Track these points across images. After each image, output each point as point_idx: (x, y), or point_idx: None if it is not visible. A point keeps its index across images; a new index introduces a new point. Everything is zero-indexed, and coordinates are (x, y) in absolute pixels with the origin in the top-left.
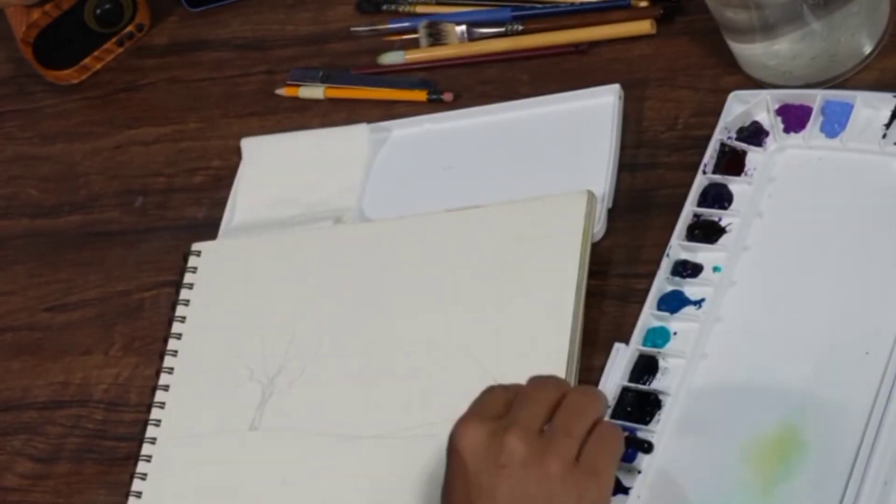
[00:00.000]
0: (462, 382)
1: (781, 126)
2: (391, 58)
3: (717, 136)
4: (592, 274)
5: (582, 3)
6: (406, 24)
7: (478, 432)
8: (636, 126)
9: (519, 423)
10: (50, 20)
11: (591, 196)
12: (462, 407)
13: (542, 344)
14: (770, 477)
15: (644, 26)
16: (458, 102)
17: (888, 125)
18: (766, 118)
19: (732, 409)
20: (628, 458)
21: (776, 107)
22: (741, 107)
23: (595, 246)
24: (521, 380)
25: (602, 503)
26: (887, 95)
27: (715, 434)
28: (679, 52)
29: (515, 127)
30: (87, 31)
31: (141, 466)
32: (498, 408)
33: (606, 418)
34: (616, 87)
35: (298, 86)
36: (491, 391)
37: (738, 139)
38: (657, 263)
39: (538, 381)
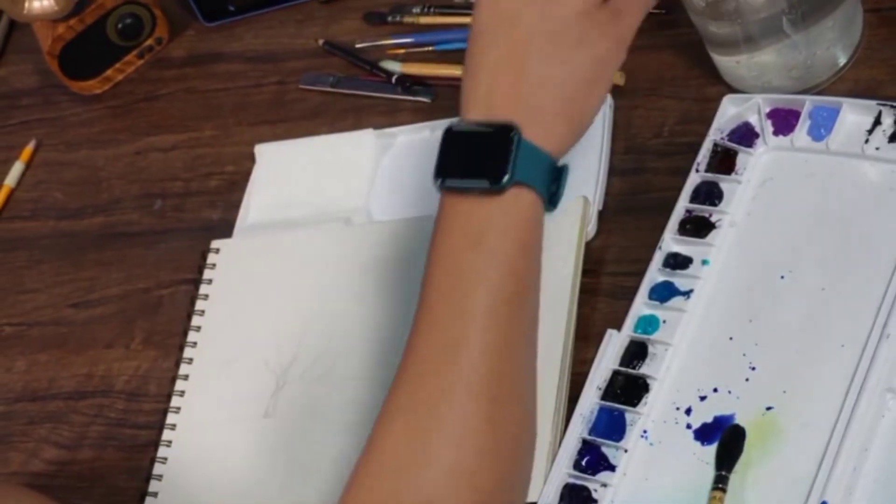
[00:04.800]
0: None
1: (771, 129)
2: (389, 65)
3: (711, 137)
4: (584, 272)
5: None
6: (408, 40)
7: None
8: (625, 133)
9: None
10: (74, 34)
11: (586, 202)
12: None
13: (539, 338)
14: (746, 460)
15: (614, 76)
16: (459, 110)
17: (871, 131)
18: (756, 121)
19: (714, 395)
20: (616, 437)
21: (767, 110)
22: (734, 109)
23: (587, 246)
24: None
25: (623, 40)
26: (871, 103)
27: (696, 418)
28: (665, 63)
29: None
30: (109, 44)
31: (161, 451)
32: None
33: (595, 398)
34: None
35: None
36: None
37: (729, 140)
38: (645, 262)
39: None
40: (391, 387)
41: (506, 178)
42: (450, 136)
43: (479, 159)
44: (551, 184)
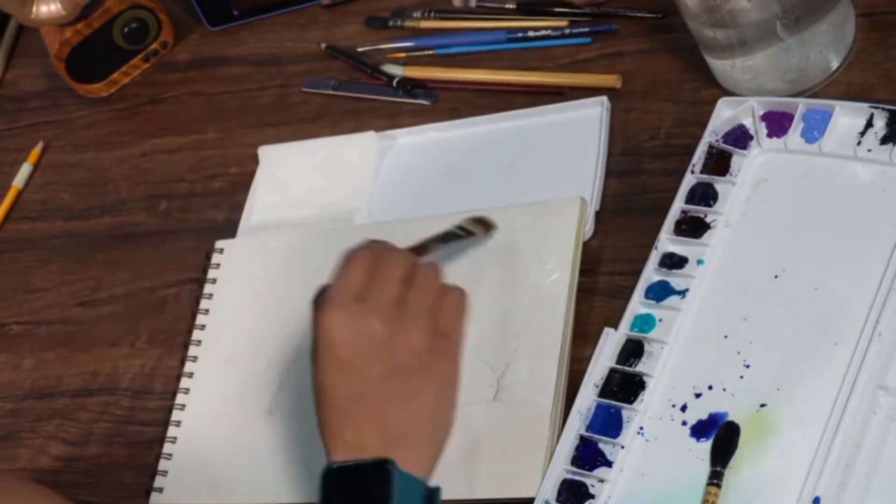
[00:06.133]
0: (463, 372)
1: (765, 131)
2: (390, 69)
3: (706, 139)
4: (582, 272)
5: (571, 26)
6: (408, 44)
7: (344, 319)
8: (622, 135)
9: (378, 303)
10: (81, 38)
11: (583, 202)
12: (461, 396)
13: (537, 336)
14: (740, 457)
15: (611, 79)
16: (458, 113)
17: (863, 133)
18: (751, 123)
19: (709, 392)
20: (613, 434)
21: (761, 113)
22: (729, 112)
23: (584, 246)
24: (518, 371)
25: (457, 357)
26: (863, 105)
27: (692, 415)
28: (661, 67)
29: (511, 135)
30: (115, 48)
31: (166, 447)
32: (358, 284)
33: (593, 395)
34: (603, 98)
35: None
36: (350, 266)
37: (724, 142)
38: (641, 262)
39: (388, 256)
40: None
41: None
42: (330, 477)
43: (362, 497)
44: None
